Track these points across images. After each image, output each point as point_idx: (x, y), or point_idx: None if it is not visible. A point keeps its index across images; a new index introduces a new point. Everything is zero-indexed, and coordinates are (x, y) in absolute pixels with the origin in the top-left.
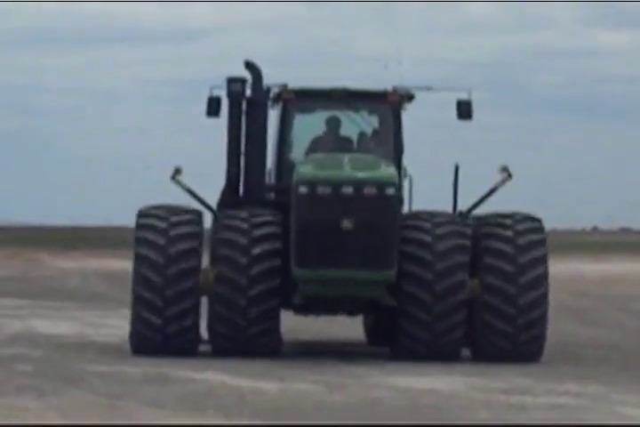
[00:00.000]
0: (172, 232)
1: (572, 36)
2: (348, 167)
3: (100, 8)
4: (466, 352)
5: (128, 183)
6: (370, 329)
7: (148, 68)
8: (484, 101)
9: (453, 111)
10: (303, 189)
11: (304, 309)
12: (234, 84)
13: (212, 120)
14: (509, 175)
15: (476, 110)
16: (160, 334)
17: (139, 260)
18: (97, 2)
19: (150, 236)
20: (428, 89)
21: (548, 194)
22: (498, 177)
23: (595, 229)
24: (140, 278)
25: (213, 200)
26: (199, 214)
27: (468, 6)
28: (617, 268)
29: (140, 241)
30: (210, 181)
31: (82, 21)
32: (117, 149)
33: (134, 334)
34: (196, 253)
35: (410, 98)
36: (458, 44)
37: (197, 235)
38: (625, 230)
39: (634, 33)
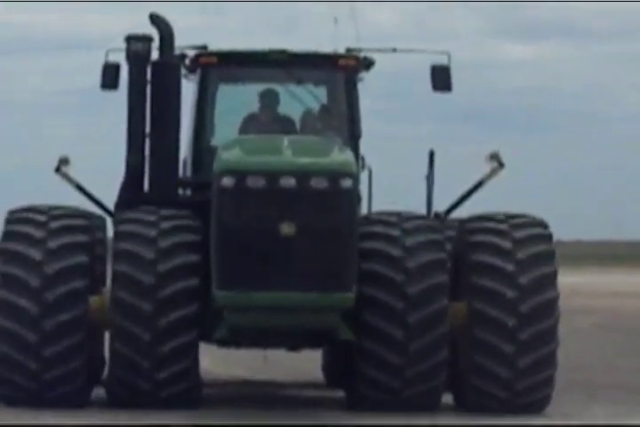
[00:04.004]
0: (52, 243)
1: (473, 47)
2: (288, 152)
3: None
4: (447, 398)
5: (31, 192)
6: (328, 367)
7: (48, 77)
8: (385, 112)
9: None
10: (227, 181)
11: (229, 343)
12: (135, 43)
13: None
14: (500, 164)
15: (376, 121)
16: (36, 381)
17: (5, 281)
18: None
19: (21, 248)
20: (394, 51)
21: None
22: (485, 167)
23: None
24: (6, 307)
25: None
26: (98, 219)
27: (371, 17)
28: None
29: (6, 255)
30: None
31: None
32: (18, 159)
33: (3, 382)
34: (83, 271)
35: (368, 64)
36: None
37: (87, 246)
38: None
39: (536, 45)
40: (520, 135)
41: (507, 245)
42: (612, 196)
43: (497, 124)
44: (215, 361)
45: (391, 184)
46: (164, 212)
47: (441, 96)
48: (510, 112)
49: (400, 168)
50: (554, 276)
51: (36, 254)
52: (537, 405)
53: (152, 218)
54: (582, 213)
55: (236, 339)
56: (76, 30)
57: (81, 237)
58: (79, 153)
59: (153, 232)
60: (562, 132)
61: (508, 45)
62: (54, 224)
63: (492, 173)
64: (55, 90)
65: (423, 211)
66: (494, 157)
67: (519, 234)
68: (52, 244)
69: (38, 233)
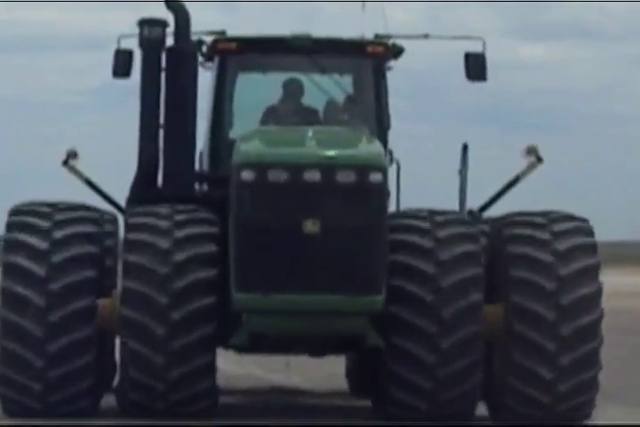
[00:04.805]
0: (56, 256)
1: (490, 47)
2: (312, 143)
3: (12, 16)
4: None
5: (43, 192)
6: (353, 373)
7: (62, 76)
8: (405, 110)
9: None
10: (247, 175)
11: (249, 349)
12: (149, 28)
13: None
14: (539, 159)
15: (398, 120)
16: (41, 402)
17: (6, 298)
18: (8, 9)
19: (23, 261)
20: (425, 37)
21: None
22: (522, 162)
23: None
24: (8, 327)
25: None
26: (109, 223)
27: (390, 15)
28: None
29: (8, 269)
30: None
31: None
32: (32, 157)
33: (5, 399)
34: (90, 287)
35: (397, 52)
36: None
37: (95, 259)
38: None
39: (551, 46)
40: (536, 136)
41: (548, 258)
42: (630, 197)
43: (512, 125)
44: (229, 359)
45: (418, 179)
46: (179, 217)
47: (451, 95)
48: (526, 113)
49: (409, 165)
50: (598, 294)
51: (38, 269)
52: (578, 420)
53: (166, 224)
54: (600, 215)
55: (256, 345)
56: (93, 29)
57: (88, 248)
58: (90, 147)
59: (167, 243)
60: (578, 132)
61: (522, 46)
62: (59, 233)
63: (530, 168)
64: (70, 88)
65: (455, 207)
66: (532, 151)
67: (562, 245)
68: (57, 257)
69: (41, 244)
